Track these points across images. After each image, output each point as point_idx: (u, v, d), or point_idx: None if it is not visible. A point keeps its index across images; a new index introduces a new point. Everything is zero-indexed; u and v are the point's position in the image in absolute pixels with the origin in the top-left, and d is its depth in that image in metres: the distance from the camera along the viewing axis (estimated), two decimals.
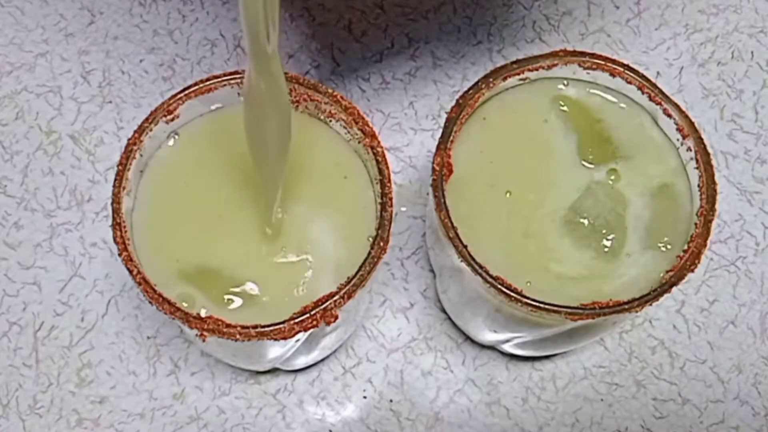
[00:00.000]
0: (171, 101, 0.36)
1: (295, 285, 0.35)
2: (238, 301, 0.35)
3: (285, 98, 0.32)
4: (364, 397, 0.44)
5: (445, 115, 0.37)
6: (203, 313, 0.34)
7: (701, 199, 0.36)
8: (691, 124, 0.37)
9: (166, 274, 0.35)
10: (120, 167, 0.35)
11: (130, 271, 0.33)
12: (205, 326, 0.33)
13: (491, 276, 0.34)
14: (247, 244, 0.36)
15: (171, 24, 0.50)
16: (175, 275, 0.35)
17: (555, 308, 0.33)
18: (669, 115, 0.38)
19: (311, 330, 0.33)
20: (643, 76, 0.38)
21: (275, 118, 0.32)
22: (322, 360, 0.44)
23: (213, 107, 0.38)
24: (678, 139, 0.38)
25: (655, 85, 0.38)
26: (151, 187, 0.37)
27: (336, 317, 0.33)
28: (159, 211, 0.36)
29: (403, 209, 0.47)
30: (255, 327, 0.32)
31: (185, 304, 0.34)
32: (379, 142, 0.36)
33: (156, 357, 0.44)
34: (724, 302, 0.46)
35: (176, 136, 0.38)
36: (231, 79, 0.37)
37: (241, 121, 0.33)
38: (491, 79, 0.37)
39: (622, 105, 0.39)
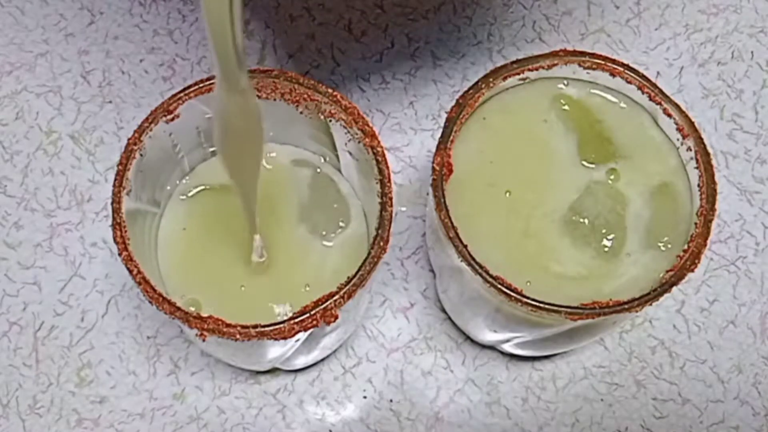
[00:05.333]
0: (171, 101, 0.36)
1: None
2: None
3: (255, 109, 0.30)
4: (364, 397, 0.44)
5: (445, 115, 0.37)
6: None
7: (701, 199, 0.36)
8: (691, 124, 0.37)
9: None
10: (120, 167, 0.35)
11: (130, 271, 0.33)
12: (205, 326, 0.33)
13: (491, 276, 0.34)
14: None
15: (171, 24, 0.50)
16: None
17: (555, 308, 0.33)
18: (669, 115, 0.38)
19: (311, 330, 0.33)
20: (643, 76, 0.38)
21: (246, 125, 0.31)
22: (322, 360, 0.43)
23: None
24: (678, 139, 0.38)
25: (655, 85, 0.38)
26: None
27: (336, 317, 0.33)
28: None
29: (403, 209, 0.47)
30: (255, 327, 0.32)
31: (192, 308, 0.35)
32: (379, 142, 0.36)
33: (156, 357, 0.44)
34: (724, 302, 0.46)
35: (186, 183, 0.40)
36: None
37: None
38: (491, 79, 0.37)
39: (623, 105, 0.39)
